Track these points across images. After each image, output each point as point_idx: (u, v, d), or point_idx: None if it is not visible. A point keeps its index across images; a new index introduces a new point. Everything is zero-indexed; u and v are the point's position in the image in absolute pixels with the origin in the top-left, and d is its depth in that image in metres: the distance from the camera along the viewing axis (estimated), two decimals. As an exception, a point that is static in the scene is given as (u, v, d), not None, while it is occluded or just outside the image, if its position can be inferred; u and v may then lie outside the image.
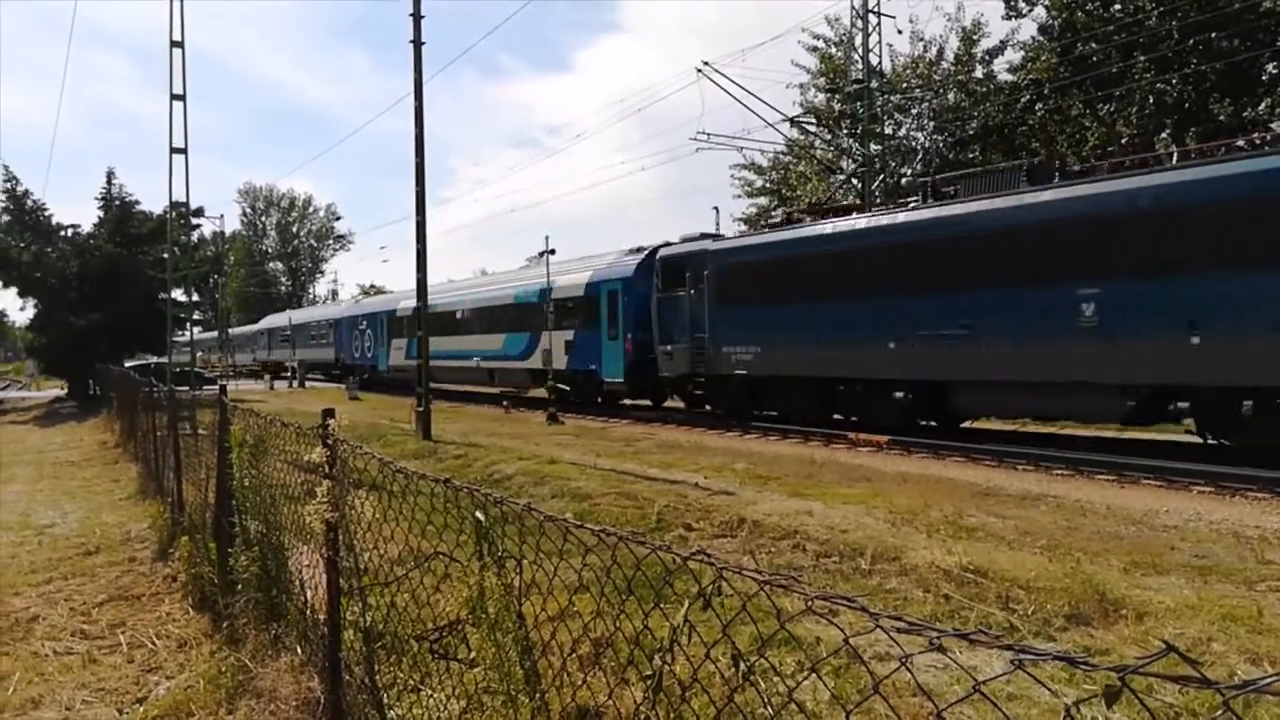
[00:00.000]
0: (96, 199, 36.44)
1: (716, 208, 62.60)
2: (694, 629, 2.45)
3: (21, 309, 60.82)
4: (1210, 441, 12.24)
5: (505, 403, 25.58)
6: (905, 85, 30.59)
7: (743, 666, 2.39)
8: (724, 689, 3.71)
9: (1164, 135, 23.32)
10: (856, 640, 1.67)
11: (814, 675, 3.27)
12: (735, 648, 2.58)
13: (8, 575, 7.91)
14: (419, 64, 18.07)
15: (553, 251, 25.41)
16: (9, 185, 34.41)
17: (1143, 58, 22.94)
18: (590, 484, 10.84)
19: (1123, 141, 22.85)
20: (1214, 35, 21.86)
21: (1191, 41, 22.12)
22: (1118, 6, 24.32)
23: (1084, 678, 4.37)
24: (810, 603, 1.65)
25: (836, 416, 17.07)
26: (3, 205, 34.59)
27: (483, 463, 13.37)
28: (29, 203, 34.79)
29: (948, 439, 14.45)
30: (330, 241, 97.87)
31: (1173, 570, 6.65)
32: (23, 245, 33.53)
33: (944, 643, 1.36)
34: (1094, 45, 24.36)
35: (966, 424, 16.23)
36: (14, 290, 34.91)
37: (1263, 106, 22.35)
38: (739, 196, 39.49)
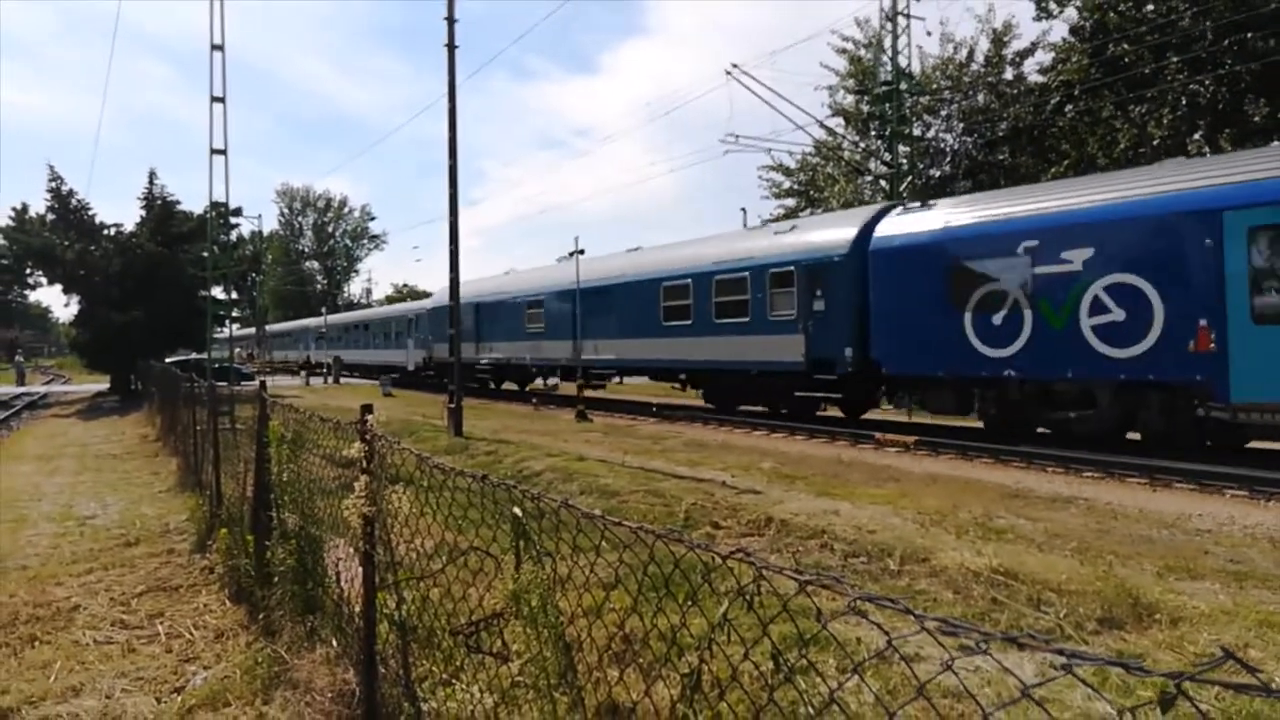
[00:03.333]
0: (139, 199, 37.17)
1: (744, 209, 62.41)
2: (733, 627, 2.45)
3: (66, 305, 62.11)
4: None
5: (534, 400, 25.80)
6: (934, 86, 30.41)
7: (783, 665, 2.41)
8: (759, 687, 3.72)
9: (1197, 137, 22.94)
10: (885, 640, 1.68)
11: (856, 676, 3.27)
12: (775, 646, 2.60)
13: (50, 565, 8.08)
14: (453, 67, 18.29)
15: (582, 251, 25.06)
16: (54, 185, 34.91)
17: (1175, 58, 22.57)
18: (618, 481, 10.87)
19: (1154, 144, 22.51)
20: (1249, 35, 21.47)
21: (1226, 42, 21.74)
22: (1150, 7, 23.93)
23: (1120, 684, 4.34)
24: (854, 603, 1.67)
25: None
26: (48, 204, 35.21)
27: (513, 459, 13.44)
28: (73, 202, 35.32)
29: (976, 440, 14.33)
30: (365, 241, 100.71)
31: (1207, 575, 6.55)
32: (67, 244, 34.02)
33: (978, 645, 1.38)
34: (1126, 46, 23.99)
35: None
36: (58, 287, 35.67)
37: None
38: (766, 197, 40.08)
